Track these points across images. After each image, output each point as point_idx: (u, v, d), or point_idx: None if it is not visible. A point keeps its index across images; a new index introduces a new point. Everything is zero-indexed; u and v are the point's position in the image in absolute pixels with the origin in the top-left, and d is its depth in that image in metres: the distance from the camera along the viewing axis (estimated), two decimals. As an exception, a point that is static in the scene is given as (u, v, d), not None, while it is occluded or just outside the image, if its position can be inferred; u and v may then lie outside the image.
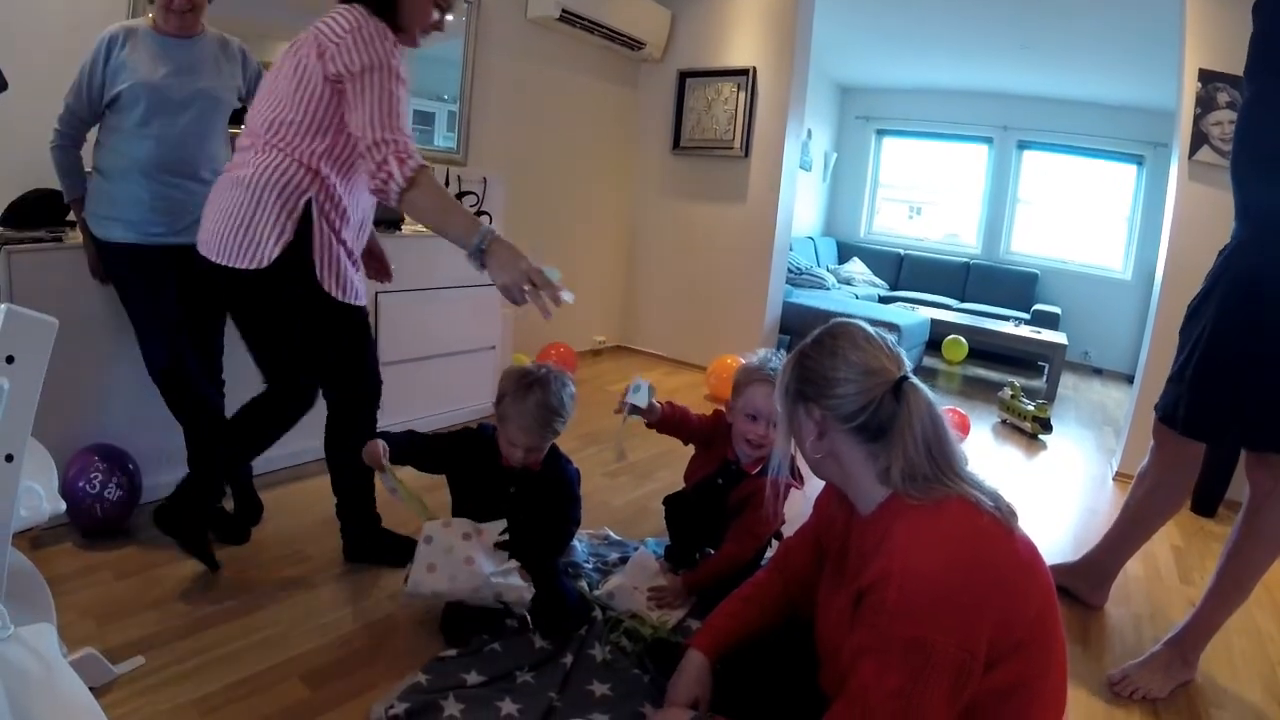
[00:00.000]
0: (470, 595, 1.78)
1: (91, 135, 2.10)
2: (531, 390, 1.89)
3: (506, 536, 1.85)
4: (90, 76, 2.00)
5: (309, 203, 1.78)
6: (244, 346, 2.01)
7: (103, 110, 2.04)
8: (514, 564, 1.83)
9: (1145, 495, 2.18)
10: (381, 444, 1.88)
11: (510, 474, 1.98)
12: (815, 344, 1.25)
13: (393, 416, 3.14)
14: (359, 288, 1.94)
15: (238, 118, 2.36)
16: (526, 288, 1.64)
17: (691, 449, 2.32)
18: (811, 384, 1.22)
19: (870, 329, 1.25)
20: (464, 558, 1.76)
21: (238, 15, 2.77)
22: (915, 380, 1.18)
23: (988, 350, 6.32)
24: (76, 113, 2.03)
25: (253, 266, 1.76)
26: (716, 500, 2.13)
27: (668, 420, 2.23)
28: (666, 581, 2.08)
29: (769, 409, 1.96)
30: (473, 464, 2.02)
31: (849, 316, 1.36)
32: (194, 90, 2.08)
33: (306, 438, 2.83)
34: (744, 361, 2.12)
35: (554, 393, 1.91)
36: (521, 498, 1.98)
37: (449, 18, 1.94)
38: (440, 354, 3.29)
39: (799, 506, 2.03)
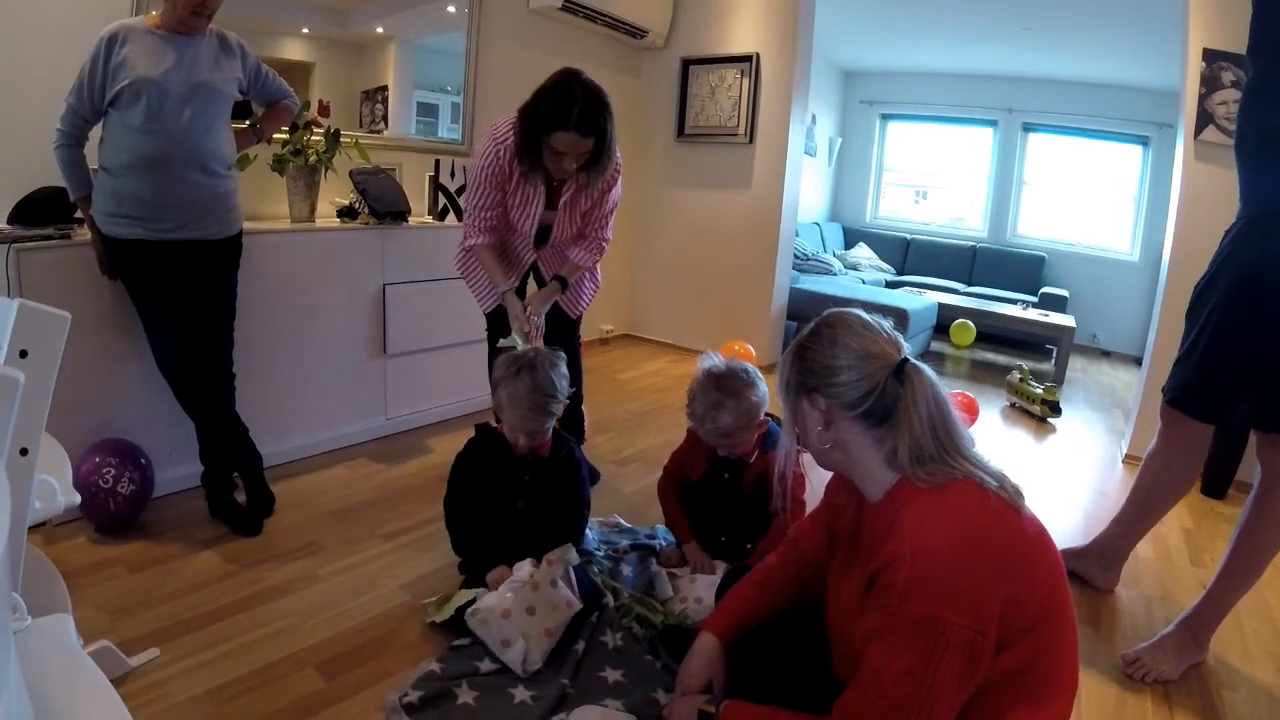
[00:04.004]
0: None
1: (94, 133, 2.10)
2: (521, 376, 1.92)
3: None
4: (91, 75, 1.99)
5: None
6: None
7: (105, 108, 2.04)
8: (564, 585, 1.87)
9: (1154, 477, 2.17)
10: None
11: (523, 463, 2.02)
12: (813, 334, 1.25)
13: (403, 407, 3.18)
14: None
15: (240, 111, 2.36)
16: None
17: (679, 437, 2.30)
18: (813, 374, 1.21)
19: (866, 315, 1.25)
20: (543, 629, 1.77)
21: (252, 14, 2.79)
22: (916, 362, 1.18)
23: (996, 334, 6.29)
24: (78, 112, 2.03)
25: None
26: (732, 491, 2.13)
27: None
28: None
29: (735, 423, 1.97)
30: (487, 465, 2.05)
31: (853, 302, 1.36)
32: (195, 85, 2.07)
33: (315, 430, 2.87)
34: (701, 368, 2.05)
35: (543, 374, 1.93)
36: (536, 483, 2.03)
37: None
38: (449, 344, 3.30)
39: (812, 495, 2.03)
